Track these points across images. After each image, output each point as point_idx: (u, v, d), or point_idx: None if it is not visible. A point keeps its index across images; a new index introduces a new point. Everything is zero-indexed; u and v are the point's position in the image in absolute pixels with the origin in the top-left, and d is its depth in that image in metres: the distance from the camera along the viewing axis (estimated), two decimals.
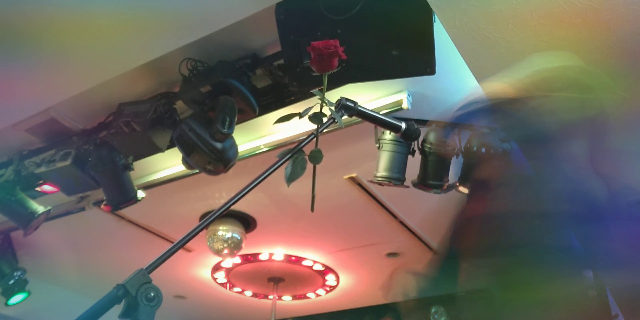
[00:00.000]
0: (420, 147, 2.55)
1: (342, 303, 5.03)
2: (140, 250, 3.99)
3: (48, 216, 3.23)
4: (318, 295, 4.83)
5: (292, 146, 1.19)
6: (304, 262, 4.34)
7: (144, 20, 2.18)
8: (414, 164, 2.55)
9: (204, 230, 3.47)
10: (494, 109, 1.86)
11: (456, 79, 2.44)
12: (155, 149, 2.65)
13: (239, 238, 3.81)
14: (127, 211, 3.28)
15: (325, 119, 1.24)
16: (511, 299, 1.58)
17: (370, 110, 1.38)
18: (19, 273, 3.84)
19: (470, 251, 1.79)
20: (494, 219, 1.75)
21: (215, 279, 4.64)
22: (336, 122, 1.25)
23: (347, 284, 4.68)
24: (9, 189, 3.04)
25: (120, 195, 2.89)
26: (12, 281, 3.80)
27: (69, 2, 2.09)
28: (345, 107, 1.30)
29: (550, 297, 1.59)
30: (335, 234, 3.91)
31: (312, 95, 1.91)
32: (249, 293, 4.83)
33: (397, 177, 2.51)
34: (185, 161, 2.64)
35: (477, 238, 1.77)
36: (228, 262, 4.36)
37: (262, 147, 2.95)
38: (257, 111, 2.54)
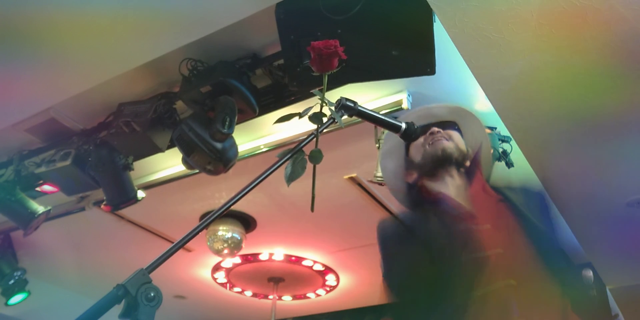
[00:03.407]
0: None
1: (342, 303, 5.03)
2: (140, 250, 3.99)
3: (48, 216, 3.24)
4: (318, 295, 4.83)
5: (292, 146, 1.18)
6: (304, 262, 4.34)
7: (144, 20, 2.18)
8: None
9: (204, 230, 3.47)
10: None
11: (456, 79, 2.44)
12: (155, 149, 2.65)
13: (239, 238, 3.81)
14: (127, 211, 3.28)
15: (325, 119, 1.24)
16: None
17: (370, 110, 1.38)
18: (19, 273, 3.84)
19: None
20: None
21: (215, 279, 4.64)
22: (336, 122, 1.25)
23: (347, 284, 4.68)
24: (9, 189, 3.04)
25: (120, 195, 2.89)
26: (12, 281, 3.80)
27: (69, 2, 2.09)
28: (345, 107, 1.30)
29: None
30: (335, 234, 3.91)
31: (312, 95, 1.91)
32: (249, 293, 4.83)
33: None
34: (185, 161, 2.64)
35: None
36: (228, 262, 4.36)
37: (262, 147, 2.95)
38: (257, 111, 2.54)
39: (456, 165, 1.67)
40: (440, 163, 1.66)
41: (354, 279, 4.59)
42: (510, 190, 1.74)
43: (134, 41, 2.28)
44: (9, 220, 3.18)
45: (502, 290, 1.44)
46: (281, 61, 2.42)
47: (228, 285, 4.71)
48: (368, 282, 4.60)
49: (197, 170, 2.68)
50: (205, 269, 4.50)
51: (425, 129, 1.71)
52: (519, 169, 2.53)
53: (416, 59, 2.08)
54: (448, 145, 1.67)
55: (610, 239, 3.02)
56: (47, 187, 3.14)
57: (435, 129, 1.72)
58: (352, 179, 3.27)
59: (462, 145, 1.71)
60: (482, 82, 2.08)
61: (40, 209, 3.14)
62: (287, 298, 4.88)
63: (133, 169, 2.89)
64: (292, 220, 3.76)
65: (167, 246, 0.91)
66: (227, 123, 2.37)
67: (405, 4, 2.01)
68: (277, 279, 4.58)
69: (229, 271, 4.52)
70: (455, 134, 1.73)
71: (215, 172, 2.56)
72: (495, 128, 2.62)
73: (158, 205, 3.55)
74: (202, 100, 2.50)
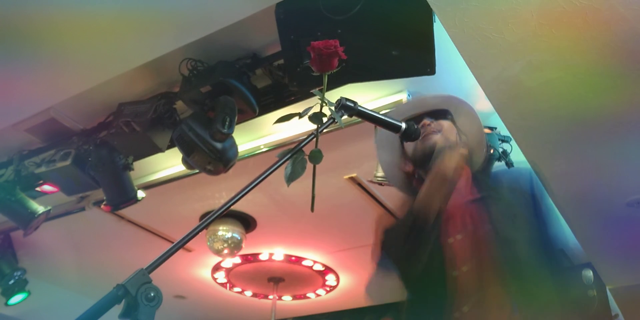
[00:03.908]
0: None
1: (342, 303, 5.03)
2: (140, 250, 3.99)
3: (48, 216, 3.24)
4: (318, 295, 4.83)
5: (292, 146, 1.18)
6: (304, 262, 4.34)
7: (144, 20, 2.18)
8: None
9: (204, 230, 3.48)
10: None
11: (456, 79, 2.44)
12: (155, 149, 2.65)
13: (239, 238, 3.81)
14: (127, 211, 3.28)
15: (325, 119, 1.24)
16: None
17: (370, 110, 1.38)
18: (19, 273, 3.84)
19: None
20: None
21: (215, 279, 4.64)
22: (336, 122, 1.25)
23: (347, 284, 4.68)
24: (9, 189, 3.04)
25: (120, 195, 2.90)
26: (12, 281, 3.80)
27: (69, 2, 2.09)
28: (345, 107, 1.30)
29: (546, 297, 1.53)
30: (335, 234, 3.91)
31: (312, 95, 1.91)
32: (249, 293, 4.83)
33: None
34: (185, 161, 2.64)
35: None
36: (228, 262, 4.36)
37: (262, 147, 2.95)
38: (257, 111, 2.54)
39: None
40: (430, 159, 1.67)
41: (354, 279, 4.59)
42: (501, 189, 1.75)
43: (134, 41, 2.28)
44: (9, 220, 3.19)
45: (473, 310, 1.46)
46: (281, 61, 2.42)
47: (228, 285, 4.71)
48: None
49: (197, 170, 2.68)
50: (205, 269, 4.50)
51: (417, 119, 1.72)
52: (513, 169, 2.54)
53: (416, 59, 2.08)
54: (438, 139, 1.70)
55: (610, 239, 3.01)
56: (47, 187, 3.14)
57: (426, 121, 1.74)
58: (352, 179, 3.27)
59: (451, 135, 1.73)
60: (482, 82, 2.08)
61: (40, 209, 3.14)
62: (287, 298, 4.87)
63: (133, 169, 2.89)
64: (292, 220, 3.76)
65: (167, 246, 0.92)
66: (227, 123, 2.38)
67: (405, 4, 2.01)
68: (277, 279, 4.58)
69: (229, 271, 4.52)
70: (446, 124, 1.76)
71: (215, 172, 2.56)
72: (495, 128, 2.62)
73: (158, 206, 3.55)
74: (202, 100, 2.51)
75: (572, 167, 2.48)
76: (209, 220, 1.00)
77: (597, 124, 2.22)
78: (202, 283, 4.71)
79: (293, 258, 4.31)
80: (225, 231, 3.77)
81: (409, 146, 1.75)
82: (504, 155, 2.52)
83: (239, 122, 2.53)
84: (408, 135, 1.45)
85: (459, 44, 1.92)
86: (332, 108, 1.27)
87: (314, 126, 1.23)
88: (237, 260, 4.32)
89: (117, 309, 0.85)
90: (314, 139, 1.21)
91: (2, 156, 3.15)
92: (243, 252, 4.02)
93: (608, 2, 1.68)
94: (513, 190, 1.76)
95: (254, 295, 4.85)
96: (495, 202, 1.66)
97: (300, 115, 1.21)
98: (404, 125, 1.43)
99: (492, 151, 2.47)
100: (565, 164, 2.47)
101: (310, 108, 1.23)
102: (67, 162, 2.80)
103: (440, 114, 1.79)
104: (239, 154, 2.67)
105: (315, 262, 4.35)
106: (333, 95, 1.29)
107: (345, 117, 1.31)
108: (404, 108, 1.91)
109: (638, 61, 1.88)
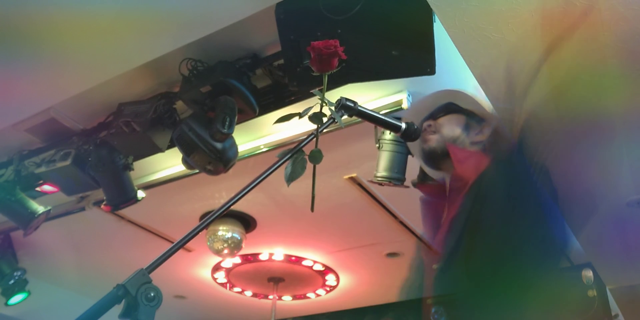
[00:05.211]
0: None
1: (342, 303, 5.03)
2: (140, 250, 3.99)
3: (48, 216, 3.24)
4: (318, 295, 4.83)
5: (292, 146, 1.19)
6: (304, 262, 4.34)
7: (144, 20, 2.18)
8: (414, 164, 2.55)
9: (204, 230, 3.48)
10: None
11: (456, 79, 2.44)
12: (155, 149, 2.65)
13: (239, 238, 3.81)
14: (127, 211, 3.28)
15: (325, 119, 1.24)
16: (510, 300, 1.51)
17: (370, 110, 1.38)
18: (19, 273, 3.84)
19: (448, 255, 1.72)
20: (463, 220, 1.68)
21: (215, 279, 4.64)
22: (336, 122, 1.25)
23: (347, 284, 4.68)
24: (9, 189, 3.04)
25: (120, 195, 2.89)
26: (12, 281, 3.81)
27: (69, 2, 2.09)
28: (345, 107, 1.30)
29: (548, 296, 1.54)
30: (335, 234, 3.91)
31: (312, 95, 1.91)
32: (249, 293, 4.83)
33: (397, 177, 2.50)
34: (185, 161, 2.64)
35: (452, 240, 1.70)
36: (228, 262, 4.36)
37: (262, 147, 2.95)
38: (257, 111, 2.54)
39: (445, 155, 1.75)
40: (430, 159, 1.79)
41: (354, 279, 4.60)
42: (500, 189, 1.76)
43: (134, 41, 2.28)
44: (9, 220, 3.19)
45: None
46: (281, 61, 2.42)
47: (228, 285, 4.71)
48: (368, 282, 4.60)
49: (197, 170, 2.68)
50: (205, 269, 4.50)
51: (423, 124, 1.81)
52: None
53: (416, 59, 2.08)
54: (433, 140, 1.77)
55: (610, 239, 3.02)
56: (47, 187, 3.14)
57: (426, 124, 1.78)
58: (352, 179, 3.27)
59: (451, 130, 1.78)
60: (482, 82, 2.08)
61: (40, 209, 3.14)
62: (287, 298, 4.88)
63: (133, 169, 2.89)
64: (292, 220, 3.76)
65: (167, 246, 0.92)
66: (227, 123, 2.37)
67: (405, 4, 2.01)
68: (277, 279, 4.58)
69: (229, 271, 4.52)
70: (444, 120, 1.80)
71: (215, 172, 2.56)
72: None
73: (158, 205, 3.55)
74: (202, 100, 2.50)
75: (572, 167, 2.49)
76: (209, 220, 1.00)
77: (597, 124, 2.22)
78: (202, 283, 4.72)
79: (293, 258, 4.31)
80: (225, 231, 3.77)
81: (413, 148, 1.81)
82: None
83: (239, 122, 2.53)
84: (408, 135, 1.45)
85: (459, 44, 1.92)
86: (332, 108, 1.27)
87: (314, 126, 1.23)
88: (237, 260, 4.32)
89: (117, 309, 0.85)
90: (314, 139, 1.21)
91: (2, 156, 3.15)
92: (243, 252, 4.02)
93: (608, 2, 1.68)
94: (513, 189, 1.77)
95: (254, 295, 4.85)
96: (493, 202, 1.67)
97: (300, 115, 1.21)
98: (403, 125, 1.43)
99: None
100: (566, 164, 2.47)
101: (310, 108, 1.23)
102: (67, 162, 2.80)
103: (441, 111, 1.84)
104: (239, 154, 2.67)
105: (315, 262, 4.35)
106: (333, 95, 1.29)
107: (345, 117, 1.30)
108: (407, 115, 1.94)
109: (638, 61, 1.88)
